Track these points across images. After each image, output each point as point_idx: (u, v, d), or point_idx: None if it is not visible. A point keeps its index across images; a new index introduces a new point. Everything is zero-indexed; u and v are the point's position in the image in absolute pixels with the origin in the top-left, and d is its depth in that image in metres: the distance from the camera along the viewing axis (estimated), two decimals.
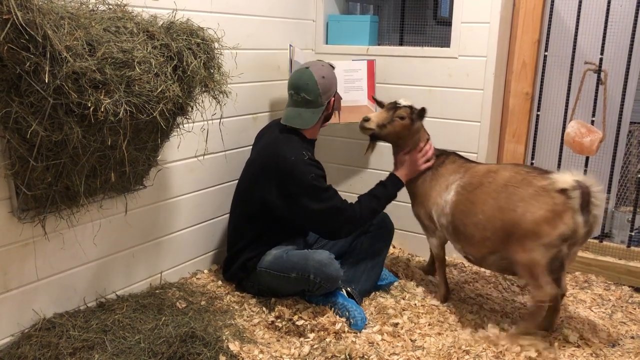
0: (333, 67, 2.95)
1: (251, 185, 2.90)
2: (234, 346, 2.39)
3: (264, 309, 2.82)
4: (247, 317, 2.75)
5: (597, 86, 3.15)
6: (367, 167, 3.71)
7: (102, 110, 1.93)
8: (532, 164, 3.47)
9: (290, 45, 3.26)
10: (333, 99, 2.92)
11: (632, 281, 3.17)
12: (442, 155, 2.92)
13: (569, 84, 3.27)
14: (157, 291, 2.83)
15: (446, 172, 2.83)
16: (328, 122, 3.07)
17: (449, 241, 2.86)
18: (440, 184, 2.81)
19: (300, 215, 2.79)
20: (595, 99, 3.19)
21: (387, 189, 2.91)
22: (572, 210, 2.37)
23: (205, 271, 3.22)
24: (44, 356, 2.17)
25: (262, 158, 2.89)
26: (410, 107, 2.86)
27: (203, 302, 2.80)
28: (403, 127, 2.86)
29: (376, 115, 2.89)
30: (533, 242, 2.41)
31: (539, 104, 3.39)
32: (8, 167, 2.08)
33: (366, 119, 2.87)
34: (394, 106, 2.86)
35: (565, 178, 2.40)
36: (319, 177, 2.75)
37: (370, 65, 3.42)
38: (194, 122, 2.59)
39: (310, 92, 2.80)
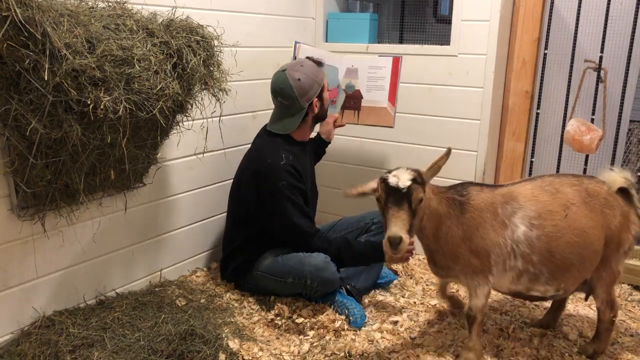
0: (320, 64, 2.90)
1: (239, 187, 2.91)
2: (233, 344, 2.39)
3: (264, 307, 2.82)
4: (247, 315, 2.75)
5: (597, 84, 3.15)
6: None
7: (101, 107, 1.93)
8: (531, 162, 3.47)
9: (296, 43, 3.22)
10: (316, 99, 2.82)
11: (632, 279, 3.17)
12: (453, 190, 2.31)
13: (569, 82, 3.27)
14: (156, 289, 2.83)
15: (485, 206, 2.26)
16: (340, 124, 3.06)
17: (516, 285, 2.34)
18: (489, 222, 2.25)
19: (268, 220, 2.77)
20: (595, 97, 3.19)
21: (367, 255, 2.75)
22: (635, 209, 2.31)
23: (205, 269, 3.22)
24: (44, 354, 2.17)
25: (246, 161, 2.91)
26: (414, 177, 2.08)
27: (203, 300, 2.80)
28: (427, 205, 2.19)
29: (398, 225, 2.03)
30: (619, 253, 2.33)
31: (539, 102, 3.39)
32: (7, 165, 2.08)
33: (396, 241, 2.01)
34: (399, 192, 2.04)
35: (616, 177, 2.30)
36: (291, 186, 2.71)
37: (395, 63, 3.15)
38: (193, 120, 2.59)
39: (286, 96, 2.77)
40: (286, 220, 2.70)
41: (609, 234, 2.27)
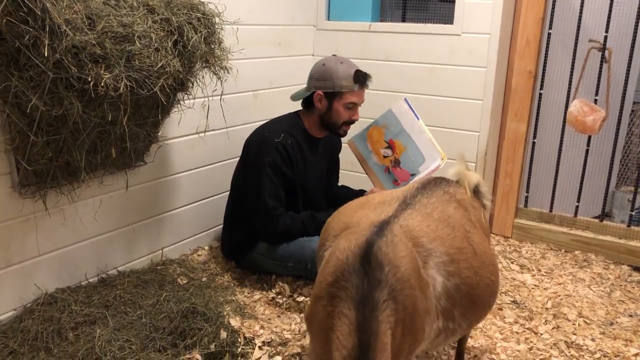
0: (361, 77, 2.69)
1: (240, 162, 2.92)
2: (235, 322, 2.41)
3: (265, 285, 2.83)
4: (248, 293, 2.77)
5: (601, 65, 3.12)
6: None
7: (102, 85, 1.92)
8: (533, 143, 3.46)
9: (406, 99, 2.83)
10: (321, 93, 2.71)
11: (632, 260, 3.18)
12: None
13: (573, 62, 3.24)
14: (158, 267, 2.85)
15: (411, 272, 1.63)
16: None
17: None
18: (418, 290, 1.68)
19: (245, 190, 2.76)
20: (599, 78, 3.17)
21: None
22: (484, 205, 2.06)
23: (206, 248, 3.23)
24: (46, 330, 2.18)
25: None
26: None
27: (204, 279, 2.82)
28: None
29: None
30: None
31: (542, 82, 3.36)
32: (8, 142, 2.07)
33: None
34: None
35: (472, 175, 2.04)
36: (274, 166, 2.67)
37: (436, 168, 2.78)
38: (194, 98, 2.57)
39: (309, 73, 2.78)
40: (256, 195, 2.69)
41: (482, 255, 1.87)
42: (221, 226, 3.16)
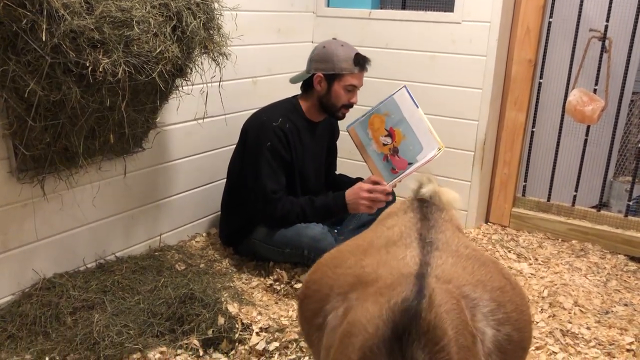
0: (361, 60, 2.69)
1: (237, 148, 2.92)
2: (232, 308, 2.42)
3: (262, 272, 2.84)
4: (246, 279, 2.78)
5: (601, 54, 3.11)
6: None
7: (100, 70, 1.91)
8: (532, 132, 3.46)
9: (405, 87, 2.78)
10: (321, 76, 2.70)
11: (628, 250, 3.19)
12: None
13: (573, 51, 3.23)
14: (156, 253, 2.85)
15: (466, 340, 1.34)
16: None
17: None
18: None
19: (244, 176, 2.75)
20: (599, 68, 3.16)
21: (329, 205, 2.72)
22: None
23: (204, 234, 3.23)
24: (45, 315, 2.19)
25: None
26: None
27: (202, 265, 2.83)
28: None
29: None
30: None
31: (542, 71, 3.35)
32: (6, 127, 2.07)
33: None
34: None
35: (455, 195, 1.75)
36: (273, 149, 2.67)
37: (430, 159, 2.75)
38: (193, 85, 2.57)
39: (309, 56, 2.78)
40: (255, 179, 2.68)
41: None
42: (219, 213, 3.16)
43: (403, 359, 1.07)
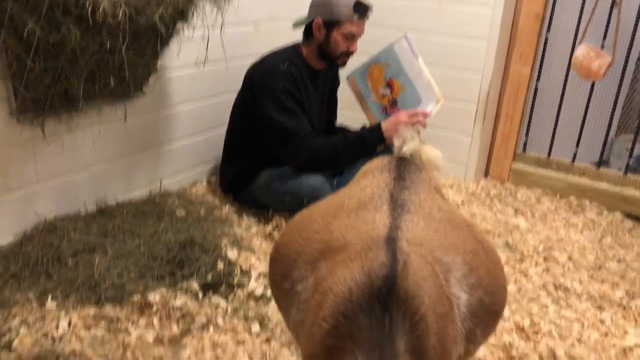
0: (362, 7, 2.64)
1: (240, 94, 2.89)
2: (232, 254, 2.45)
3: (262, 219, 2.86)
4: (245, 227, 2.80)
5: (611, 8, 3.05)
6: None
7: (100, 11, 1.88)
8: (536, 87, 3.42)
9: (405, 35, 2.74)
10: (320, 21, 2.66)
11: (626, 207, 3.21)
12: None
13: (582, 5, 3.16)
14: (156, 199, 2.87)
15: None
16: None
17: None
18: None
19: (262, 125, 2.71)
20: (608, 23, 3.10)
21: (365, 137, 2.68)
22: None
23: (205, 181, 3.24)
24: (46, 256, 2.22)
25: (251, 65, 2.85)
26: None
27: (202, 211, 2.84)
28: None
29: None
30: None
31: (549, 25, 3.29)
32: (5, 68, 2.04)
33: None
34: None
35: (437, 153, 1.68)
36: (285, 91, 2.63)
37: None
38: (194, 29, 2.52)
39: (311, 0, 2.74)
40: (276, 124, 2.65)
41: None
42: (220, 161, 3.17)
43: (382, 325, 1.03)
